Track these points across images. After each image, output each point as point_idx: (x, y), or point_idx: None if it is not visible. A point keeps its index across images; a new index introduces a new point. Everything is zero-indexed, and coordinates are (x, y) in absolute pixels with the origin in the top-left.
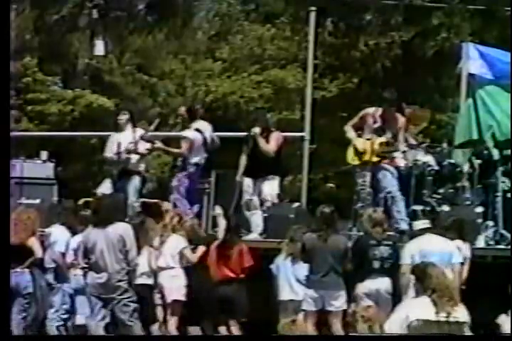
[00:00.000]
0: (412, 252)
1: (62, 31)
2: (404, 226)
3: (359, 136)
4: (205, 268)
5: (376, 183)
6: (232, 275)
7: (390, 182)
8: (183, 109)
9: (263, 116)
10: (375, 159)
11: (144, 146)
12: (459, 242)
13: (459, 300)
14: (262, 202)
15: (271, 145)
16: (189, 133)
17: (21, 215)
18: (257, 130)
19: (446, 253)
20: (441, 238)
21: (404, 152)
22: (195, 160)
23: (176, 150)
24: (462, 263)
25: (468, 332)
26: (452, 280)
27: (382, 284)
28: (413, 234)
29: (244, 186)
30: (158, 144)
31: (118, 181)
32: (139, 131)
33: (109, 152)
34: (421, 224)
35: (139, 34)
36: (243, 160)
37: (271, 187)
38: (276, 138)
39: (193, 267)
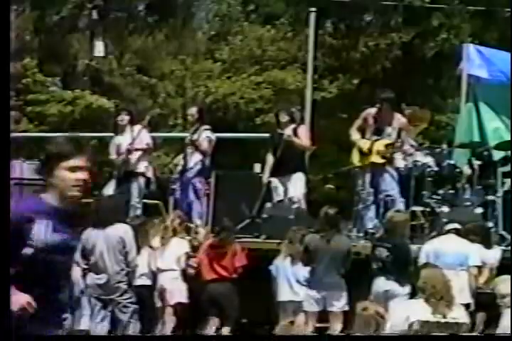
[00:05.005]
0: (427, 252)
1: (62, 32)
2: None
3: (362, 137)
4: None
5: (376, 185)
6: (224, 274)
7: (390, 184)
8: (194, 111)
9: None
10: (378, 160)
11: (145, 141)
12: (478, 246)
13: (455, 301)
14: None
15: (304, 140)
16: (210, 134)
17: None
18: (288, 132)
19: (462, 255)
20: (460, 239)
21: (410, 154)
22: (208, 162)
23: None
24: (479, 267)
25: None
26: (446, 281)
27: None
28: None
29: (272, 187)
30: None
31: (123, 182)
32: (137, 128)
33: (113, 154)
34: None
35: (138, 35)
36: (270, 160)
37: (298, 187)
38: (305, 131)
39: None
